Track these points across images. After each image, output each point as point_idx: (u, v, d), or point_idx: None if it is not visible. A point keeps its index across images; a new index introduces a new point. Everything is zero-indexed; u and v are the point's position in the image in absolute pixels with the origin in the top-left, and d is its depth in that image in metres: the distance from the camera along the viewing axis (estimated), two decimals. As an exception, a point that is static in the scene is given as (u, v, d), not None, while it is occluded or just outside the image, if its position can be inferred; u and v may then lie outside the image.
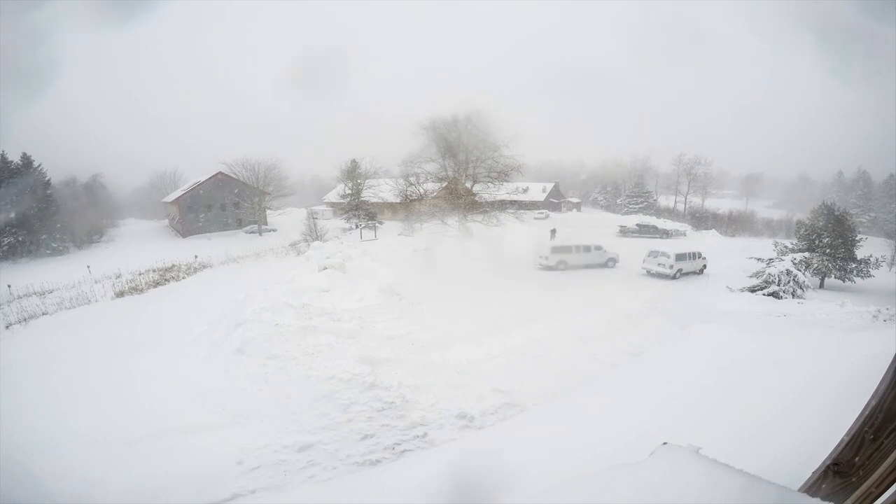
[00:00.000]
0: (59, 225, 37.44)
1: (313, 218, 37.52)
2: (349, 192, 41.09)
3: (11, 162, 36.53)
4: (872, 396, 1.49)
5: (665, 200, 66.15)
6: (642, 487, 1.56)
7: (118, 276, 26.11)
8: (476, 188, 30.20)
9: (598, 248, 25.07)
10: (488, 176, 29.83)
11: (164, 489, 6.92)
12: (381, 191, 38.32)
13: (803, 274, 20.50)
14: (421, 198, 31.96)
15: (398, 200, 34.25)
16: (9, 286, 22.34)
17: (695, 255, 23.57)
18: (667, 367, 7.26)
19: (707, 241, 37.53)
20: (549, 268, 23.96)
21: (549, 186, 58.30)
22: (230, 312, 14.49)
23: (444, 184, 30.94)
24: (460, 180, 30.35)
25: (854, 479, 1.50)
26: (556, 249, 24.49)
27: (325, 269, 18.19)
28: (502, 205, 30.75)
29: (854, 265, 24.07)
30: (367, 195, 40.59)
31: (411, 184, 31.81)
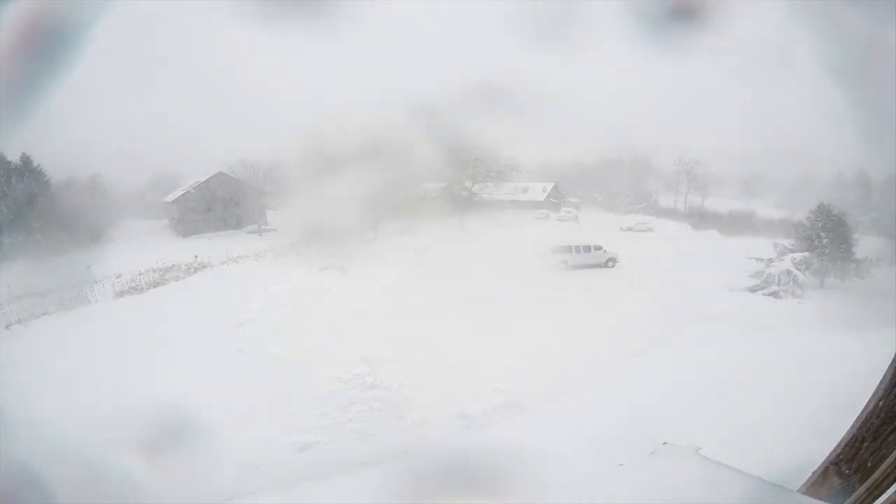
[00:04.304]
0: (58, 225, 37.38)
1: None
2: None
3: (11, 162, 36.48)
4: (872, 396, 1.49)
5: (665, 200, 65.99)
6: (642, 487, 1.56)
7: (118, 276, 26.04)
8: (476, 188, 30.20)
9: (598, 247, 25.14)
10: (488, 176, 29.85)
11: (164, 489, 6.92)
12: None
13: (803, 274, 20.50)
14: (421, 198, 31.95)
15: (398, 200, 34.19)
16: (9, 286, 22.29)
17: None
18: (666, 366, 7.27)
19: (707, 242, 37.47)
20: (550, 268, 23.97)
21: (549, 186, 58.13)
22: (230, 312, 14.50)
23: (444, 184, 30.94)
24: (460, 180, 30.36)
25: (854, 479, 1.50)
26: (556, 249, 24.54)
27: (325, 268, 18.20)
28: (502, 205, 30.76)
29: (854, 265, 24.07)
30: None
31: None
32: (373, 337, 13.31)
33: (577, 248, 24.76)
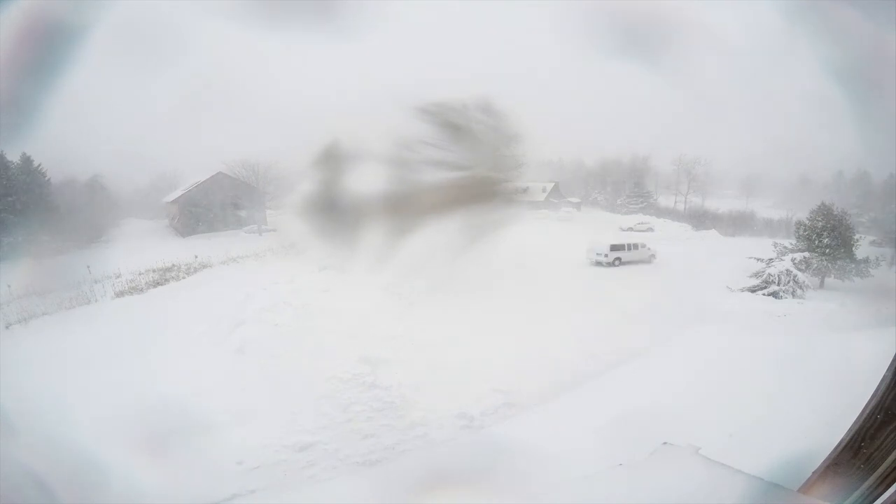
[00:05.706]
0: (58, 225, 37.36)
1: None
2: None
3: (11, 162, 36.46)
4: (872, 396, 1.49)
5: (665, 200, 65.95)
6: (642, 487, 1.56)
7: (118, 276, 26.01)
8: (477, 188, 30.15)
9: (644, 245, 27.66)
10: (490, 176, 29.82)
11: (164, 489, 6.92)
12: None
13: (803, 274, 20.49)
14: (422, 197, 31.88)
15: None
16: (9, 286, 22.27)
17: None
18: (667, 366, 7.27)
19: (707, 242, 37.47)
20: (607, 264, 25.85)
21: (549, 186, 58.10)
22: (230, 312, 14.50)
23: (445, 184, 30.89)
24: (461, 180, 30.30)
25: (854, 479, 1.50)
26: (614, 248, 26.64)
27: (325, 268, 18.20)
28: (502, 205, 30.80)
29: (854, 265, 24.05)
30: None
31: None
32: (373, 337, 13.32)
33: (628, 247, 26.82)
